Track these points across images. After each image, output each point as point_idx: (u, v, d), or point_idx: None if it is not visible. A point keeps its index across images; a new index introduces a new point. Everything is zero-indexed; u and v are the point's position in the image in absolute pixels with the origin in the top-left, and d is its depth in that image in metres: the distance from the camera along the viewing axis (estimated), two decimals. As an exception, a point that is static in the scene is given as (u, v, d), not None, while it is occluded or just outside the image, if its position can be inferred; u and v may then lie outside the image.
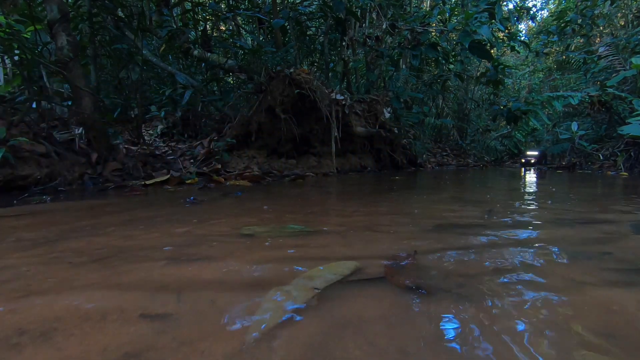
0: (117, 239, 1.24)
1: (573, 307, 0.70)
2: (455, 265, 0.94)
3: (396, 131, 6.51)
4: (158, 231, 1.37)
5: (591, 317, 0.66)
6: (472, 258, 1.01)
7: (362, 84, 7.33)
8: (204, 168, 4.06)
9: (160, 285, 0.80)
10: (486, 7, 6.14)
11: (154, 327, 0.62)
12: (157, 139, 5.27)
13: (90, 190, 2.81)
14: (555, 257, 1.03)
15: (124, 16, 4.94)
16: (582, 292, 0.77)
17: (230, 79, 6.96)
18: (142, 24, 4.50)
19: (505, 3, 11.27)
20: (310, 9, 7.56)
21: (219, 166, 4.16)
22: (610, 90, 6.82)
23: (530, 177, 5.23)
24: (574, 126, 7.39)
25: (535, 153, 9.88)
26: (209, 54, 5.91)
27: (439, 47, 7.33)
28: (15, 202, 2.22)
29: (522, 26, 15.68)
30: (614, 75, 7.12)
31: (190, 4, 6.45)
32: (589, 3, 9.68)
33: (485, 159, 11.46)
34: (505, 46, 9.57)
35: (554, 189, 3.30)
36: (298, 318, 0.65)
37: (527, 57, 14.23)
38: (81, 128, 3.47)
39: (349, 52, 6.86)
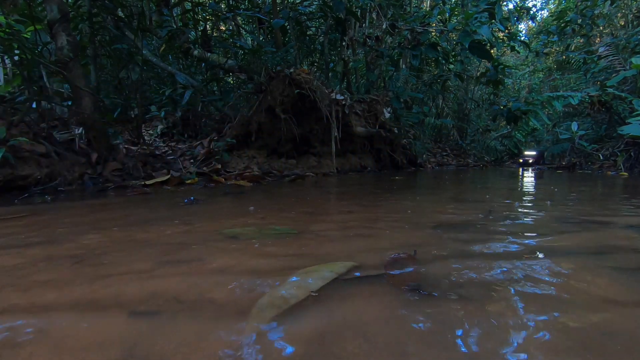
0: (118, 238, 1.24)
1: (572, 305, 0.70)
2: (454, 266, 0.94)
3: (396, 131, 6.51)
4: (148, 232, 1.37)
5: (593, 318, 0.66)
6: (471, 258, 1.01)
7: (362, 84, 7.33)
8: (204, 168, 4.06)
9: (150, 286, 0.81)
10: (486, 7, 6.14)
11: (145, 325, 0.62)
12: (157, 139, 5.28)
13: (90, 190, 2.81)
14: (555, 257, 1.03)
15: (124, 16, 4.94)
16: (582, 292, 0.77)
17: (230, 79, 6.96)
18: (142, 24, 4.50)
19: (505, 3, 11.27)
20: (310, 9, 7.56)
21: (219, 166, 4.16)
22: (610, 90, 6.82)
23: (530, 177, 5.23)
24: (574, 126, 7.39)
25: (534, 153, 9.91)
26: (209, 54, 5.91)
27: (439, 47, 7.33)
28: (16, 201, 2.22)
29: (522, 26, 15.69)
30: (614, 75, 7.13)
31: (190, 4, 6.45)
32: (589, 3, 9.68)
33: (485, 159, 11.46)
34: (505, 46, 9.57)
35: (555, 189, 3.30)
36: (295, 316, 0.65)
37: (527, 57, 14.23)
38: (81, 128, 3.47)
39: (349, 52, 6.86)
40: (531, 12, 12.06)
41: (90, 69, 4.21)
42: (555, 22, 11.05)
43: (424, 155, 8.29)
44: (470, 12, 5.83)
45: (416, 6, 9.36)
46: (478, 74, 9.91)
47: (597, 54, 8.47)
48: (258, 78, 4.94)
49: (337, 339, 0.58)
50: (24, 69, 3.67)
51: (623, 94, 6.73)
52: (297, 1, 7.64)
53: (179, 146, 4.95)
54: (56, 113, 4.07)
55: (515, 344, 0.56)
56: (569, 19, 10.15)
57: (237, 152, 4.81)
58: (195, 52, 5.79)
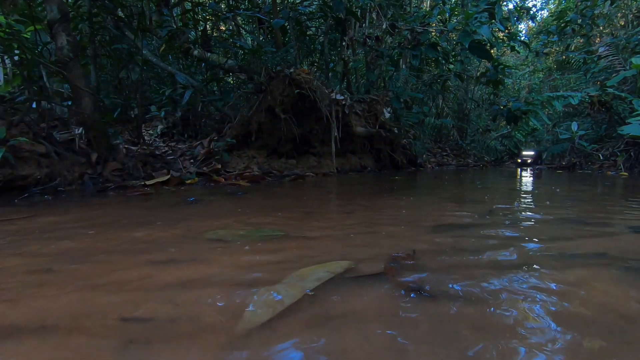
0: (119, 238, 1.25)
1: (572, 305, 0.70)
2: (454, 266, 0.94)
3: (396, 131, 6.51)
4: (140, 233, 1.37)
5: (596, 320, 0.66)
6: (471, 259, 1.01)
7: (362, 84, 7.33)
8: (204, 168, 4.06)
9: (142, 287, 0.81)
10: (486, 7, 6.14)
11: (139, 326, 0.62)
12: (157, 139, 5.27)
13: (90, 190, 2.81)
14: (555, 257, 1.03)
15: (124, 16, 4.94)
16: (581, 291, 0.77)
17: (230, 79, 6.96)
18: (142, 24, 4.50)
19: (505, 3, 11.26)
20: (310, 9, 7.56)
21: (219, 166, 4.16)
22: (610, 90, 6.82)
23: (530, 177, 5.23)
24: (574, 126, 7.39)
25: (531, 153, 9.92)
26: (209, 54, 5.91)
27: (439, 47, 7.32)
28: (16, 201, 2.22)
29: (522, 26, 15.68)
30: (614, 75, 7.12)
31: (190, 4, 6.45)
32: (589, 3, 9.68)
33: (485, 159, 11.45)
34: (505, 46, 9.57)
35: (557, 190, 3.30)
36: (291, 316, 0.65)
37: (527, 57, 14.22)
38: (81, 128, 3.46)
39: (349, 52, 6.86)
40: (531, 12, 12.05)
41: (90, 69, 4.21)
42: (555, 22, 11.05)
43: (424, 155, 8.29)
44: (470, 12, 5.83)
45: (416, 6, 9.35)
46: (478, 74, 9.90)
47: (597, 54, 8.47)
48: (258, 78, 4.94)
49: (335, 339, 0.58)
50: (24, 69, 3.67)
51: (623, 94, 6.73)
52: (297, 1, 7.64)
53: (179, 146, 4.95)
54: (56, 113, 4.07)
55: (515, 344, 0.56)
56: (569, 19, 10.15)
57: (237, 152, 4.81)
58: (195, 52, 5.79)
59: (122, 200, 2.33)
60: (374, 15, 7.55)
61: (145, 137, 4.92)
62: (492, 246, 1.14)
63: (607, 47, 8.29)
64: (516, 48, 9.25)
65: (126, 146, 4.05)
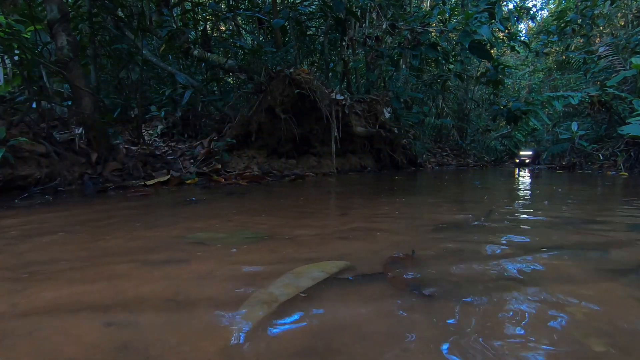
0: (121, 239, 1.25)
1: (571, 307, 0.70)
2: (454, 267, 0.94)
3: (396, 131, 6.51)
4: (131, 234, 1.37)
5: (595, 321, 0.66)
6: (471, 259, 1.01)
7: (362, 84, 7.33)
8: (204, 168, 4.07)
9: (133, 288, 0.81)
10: (486, 7, 6.14)
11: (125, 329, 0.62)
12: (157, 139, 5.28)
13: (90, 190, 2.81)
14: (553, 257, 1.03)
15: (124, 16, 4.94)
16: (581, 292, 0.77)
17: (230, 79, 6.96)
18: (142, 24, 4.50)
19: (505, 3, 11.26)
20: (310, 9, 7.56)
21: (219, 166, 4.16)
22: (610, 90, 6.81)
23: (530, 177, 5.23)
24: (574, 126, 7.38)
25: (529, 153, 9.92)
26: (209, 54, 5.91)
27: (439, 47, 7.32)
28: (16, 201, 2.22)
29: (522, 26, 15.67)
30: (614, 75, 7.12)
31: (190, 4, 6.45)
32: (589, 3, 9.67)
33: (485, 159, 11.45)
34: (505, 46, 9.57)
35: (559, 190, 3.30)
36: (286, 316, 0.65)
37: (527, 57, 14.22)
38: (81, 128, 3.47)
39: (349, 52, 6.86)
40: (531, 12, 12.05)
41: (90, 69, 4.21)
42: (555, 22, 11.04)
43: (424, 155, 8.29)
44: (470, 12, 5.83)
45: (416, 6, 9.35)
46: (478, 74, 9.90)
47: (597, 54, 8.46)
48: (258, 78, 4.94)
49: (333, 339, 0.58)
50: (24, 69, 3.67)
51: (623, 94, 6.72)
52: (297, 1, 7.64)
53: (179, 146, 4.95)
54: (56, 113, 4.07)
55: (515, 344, 0.56)
56: (569, 19, 10.15)
57: (237, 152, 4.81)
58: (195, 52, 5.79)
59: (115, 201, 2.33)
60: (374, 15, 7.55)
61: (145, 137, 4.92)
62: (493, 247, 1.14)
63: (607, 47, 8.28)
64: (516, 48, 9.25)
65: (126, 146, 4.06)
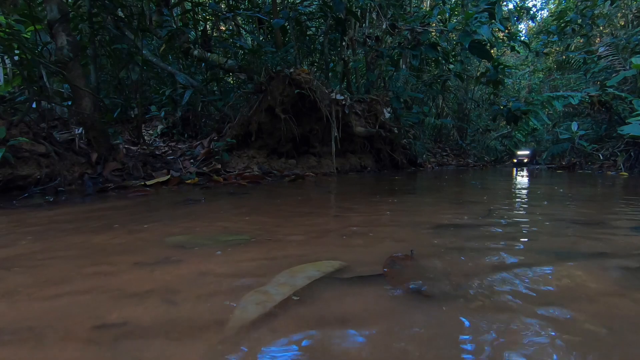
0: (122, 238, 1.25)
1: (571, 306, 0.70)
2: (453, 266, 0.94)
3: (396, 131, 6.51)
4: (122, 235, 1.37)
5: (595, 321, 0.66)
6: (471, 260, 1.01)
7: (362, 84, 7.33)
8: (204, 168, 4.07)
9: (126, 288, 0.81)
10: (486, 7, 6.14)
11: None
12: (157, 139, 5.28)
13: (91, 191, 2.81)
14: (553, 256, 1.03)
15: (124, 16, 4.94)
16: (581, 292, 0.77)
17: (230, 79, 6.96)
18: (142, 24, 4.51)
19: (505, 3, 11.27)
20: (310, 9, 7.56)
21: (219, 166, 4.16)
22: (610, 90, 6.82)
23: (529, 177, 5.23)
24: (574, 126, 7.39)
25: (527, 152, 9.93)
26: (209, 54, 5.92)
27: (439, 47, 7.33)
28: (14, 202, 2.22)
29: (522, 26, 15.68)
30: (614, 75, 7.12)
31: (190, 4, 6.45)
32: (589, 3, 9.68)
33: (485, 159, 11.46)
34: (505, 46, 9.58)
35: (556, 190, 3.30)
36: (281, 315, 0.65)
37: (527, 57, 14.23)
38: (81, 128, 3.47)
39: (349, 52, 6.86)
40: (531, 12, 12.06)
41: (90, 69, 4.22)
42: (555, 22, 11.05)
43: (424, 155, 8.30)
44: (470, 12, 5.84)
45: (416, 6, 9.36)
46: (478, 74, 9.91)
47: (597, 54, 8.46)
48: (258, 78, 4.94)
49: (330, 338, 0.58)
50: (24, 69, 3.67)
51: (623, 94, 6.73)
52: (297, 1, 7.64)
53: (179, 146, 4.95)
54: (56, 113, 4.07)
55: (515, 345, 0.56)
56: (569, 19, 10.16)
57: (237, 152, 4.81)
58: (195, 52, 5.79)
59: (110, 202, 2.33)
60: (374, 15, 7.55)
61: (145, 137, 4.92)
62: (492, 247, 1.14)
63: (607, 47, 8.29)
64: (516, 48, 9.25)
65: (126, 146, 4.06)
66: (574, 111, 9.22)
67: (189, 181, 3.37)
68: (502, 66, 8.12)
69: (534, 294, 0.76)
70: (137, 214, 1.80)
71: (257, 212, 1.83)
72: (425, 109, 9.08)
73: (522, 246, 1.15)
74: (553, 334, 0.60)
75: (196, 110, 5.52)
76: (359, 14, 7.09)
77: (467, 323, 0.63)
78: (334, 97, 5.21)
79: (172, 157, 4.34)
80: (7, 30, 3.29)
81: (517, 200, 2.46)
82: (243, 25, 8.18)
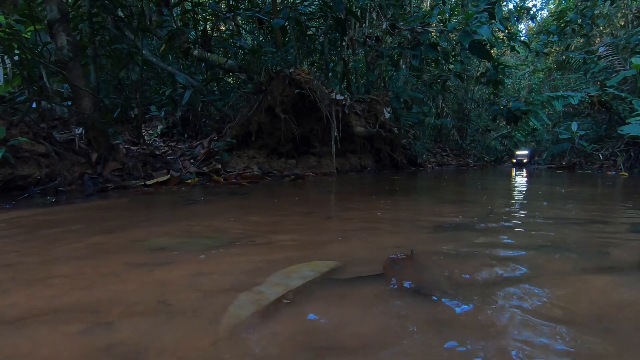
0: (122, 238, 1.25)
1: (570, 307, 0.70)
2: (453, 266, 0.94)
3: (396, 131, 6.51)
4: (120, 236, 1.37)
5: (594, 321, 0.66)
6: (470, 260, 1.01)
7: (362, 84, 7.33)
8: (204, 168, 4.07)
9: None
10: (486, 7, 6.14)
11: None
12: (157, 139, 5.28)
13: (91, 191, 2.81)
14: (552, 256, 1.03)
15: (124, 16, 4.94)
16: (580, 292, 0.77)
17: (230, 79, 6.96)
18: (142, 24, 4.51)
19: (505, 3, 11.27)
20: (310, 9, 7.56)
21: (219, 166, 4.16)
22: (610, 90, 6.82)
23: (529, 177, 5.23)
24: (574, 126, 7.38)
25: (525, 152, 9.94)
26: (209, 54, 5.92)
27: (439, 47, 7.33)
28: (13, 203, 2.22)
29: (522, 26, 15.69)
30: (614, 75, 7.12)
31: (190, 4, 6.45)
32: (589, 3, 9.68)
33: (485, 159, 11.46)
34: (505, 46, 9.58)
35: (556, 190, 3.30)
36: (277, 315, 0.65)
37: (527, 57, 14.23)
38: (81, 128, 3.47)
39: (349, 52, 6.86)
40: (531, 12, 12.06)
41: (90, 69, 4.21)
42: (555, 22, 11.05)
43: (424, 155, 8.30)
44: (470, 12, 5.84)
45: (416, 6, 9.36)
46: (478, 74, 9.91)
47: (597, 54, 8.46)
48: (258, 78, 4.94)
49: (328, 338, 0.58)
50: (24, 69, 3.67)
51: (623, 94, 6.72)
52: (297, 1, 7.64)
53: (179, 146, 4.95)
54: (56, 113, 4.07)
55: (514, 344, 0.56)
56: (569, 19, 10.16)
57: (237, 152, 4.81)
58: (195, 52, 5.79)
59: (109, 203, 2.33)
60: (374, 15, 7.55)
61: (145, 137, 4.92)
62: (492, 247, 1.14)
63: (607, 47, 8.28)
64: (516, 48, 9.26)
65: (126, 146, 4.06)
66: (574, 111, 9.22)
67: (189, 181, 3.37)
68: (502, 66, 8.12)
69: (534, 294, 0.76)
70: (136, 215, 1.80)
71: (256, 212, 1.83)
72: (425, 109, 9.09)
73: (522, 246, 1.15)
74: (553, 333, 0.60)
75: (196, 110, 5.52)
76: (359, 14, 7.09)
77: (467, 323, 0.63)
78: (334, 97, 5.21)
79: (172, 157, 4.34)
80: (7, 30, 3.29)
81: (516, 200, 2.46)
82: (243, 25, 8.18)
